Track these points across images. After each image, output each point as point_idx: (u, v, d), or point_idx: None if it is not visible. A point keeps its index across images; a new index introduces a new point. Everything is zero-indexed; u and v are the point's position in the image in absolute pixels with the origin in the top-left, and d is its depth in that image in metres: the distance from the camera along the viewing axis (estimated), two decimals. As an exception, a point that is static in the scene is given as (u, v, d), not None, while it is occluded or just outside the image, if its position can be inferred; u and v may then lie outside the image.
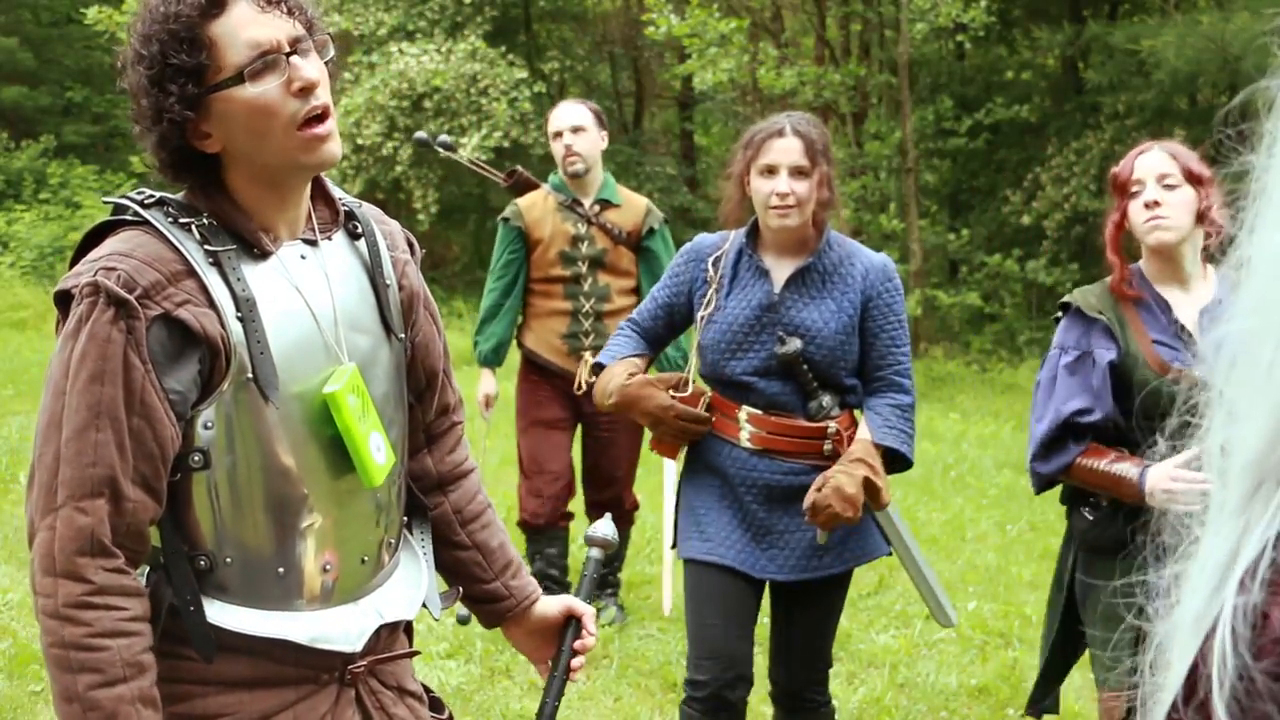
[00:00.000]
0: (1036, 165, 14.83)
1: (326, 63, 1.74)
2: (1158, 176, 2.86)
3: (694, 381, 3.27)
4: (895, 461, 3.18)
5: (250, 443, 1.70)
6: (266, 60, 1.64)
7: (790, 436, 3.14)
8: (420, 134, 6.09)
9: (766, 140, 3.12)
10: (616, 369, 3.31)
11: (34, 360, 11.53)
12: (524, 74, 15.76)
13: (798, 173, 3.09)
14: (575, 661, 2.07)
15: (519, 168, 5.17)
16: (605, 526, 2.37)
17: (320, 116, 1.68)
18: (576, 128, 4.82)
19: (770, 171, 3.11)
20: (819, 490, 3.03)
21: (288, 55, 1.66)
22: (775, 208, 3.09)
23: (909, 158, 14.44)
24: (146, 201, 1.70)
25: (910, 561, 3.55)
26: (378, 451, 1.81)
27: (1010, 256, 14.33)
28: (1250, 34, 11.92)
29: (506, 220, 4.92)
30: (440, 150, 5.65)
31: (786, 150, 3.10)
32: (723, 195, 3.31)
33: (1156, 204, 2.84)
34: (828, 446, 3.13)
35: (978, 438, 9.99)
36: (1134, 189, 2.87)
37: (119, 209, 1.72)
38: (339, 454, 1.78)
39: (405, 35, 16.10)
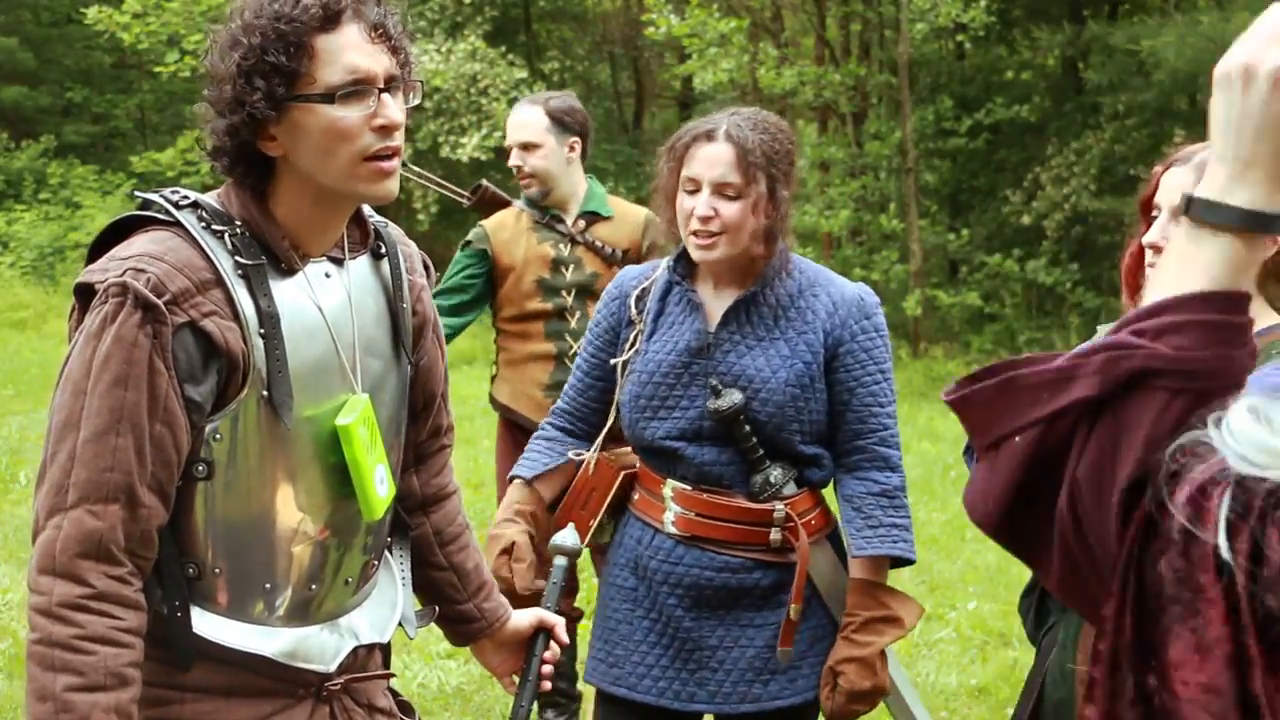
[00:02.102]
0: (1036, 165, 14.82)
1: (411, 106, 1.75)
2: (1174, 208, 2.09)
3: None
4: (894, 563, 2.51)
5: (255, 459, 1.70)
6: (359, 88, 1.65)
7: (726, 520, 2.43)
8: None
9: (691, 145, 2.41)
10: (502, 510, 2.59)
11: (34, 360, 11.52)
12: (524, 74, 15.74)
13: (725, 191, 2.37)
14: (545, 670, 2.11)
15: (484, 182, 4.23)
16: (570, 535, 2.31)
17: (390, 155, 1.69)
18: (527, 144, 3.86)
19: (693, 187, 2.39)
20: (830, 699, 2.41)
21: (380, 90, 1.67)
22: (695, 234, 2.39)
23: (909, 158, 14.44)
24: (181, 203, 1.68)
25: (901, 709, 2.77)
26: (381, 484, 1.82)
27: (1010, 256, 14.32)
28: (1250, 34, 11.90)
29: (468, 244, 3.95)
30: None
31: (713, 160, 2.37)
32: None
33: (1155, 248, 2.14)
34: (775, 536, 2.42)
35: (978, 438, 9.98)
36: (1154, 214, 2.20)
37: (147, 204, 1.70)
38: (340, 480, 1.79)
39: (405, 35, 16.09)
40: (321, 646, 1.81)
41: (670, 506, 2.45)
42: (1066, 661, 2.22)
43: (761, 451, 2.41)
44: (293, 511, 1.75)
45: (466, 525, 2.12)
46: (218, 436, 1.66)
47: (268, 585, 1.75)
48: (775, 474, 2.42)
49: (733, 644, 2.44)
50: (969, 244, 14.90)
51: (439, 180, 4.84)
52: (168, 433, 1.60)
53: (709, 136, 2.39)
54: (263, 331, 1.66)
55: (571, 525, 2.33)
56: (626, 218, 4.01)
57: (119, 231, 1.71)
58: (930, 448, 9.50)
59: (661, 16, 14.43)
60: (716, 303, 2.47)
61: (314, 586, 1.80)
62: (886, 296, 15.14)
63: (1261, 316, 2.16)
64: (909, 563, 2.49)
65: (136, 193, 1.76)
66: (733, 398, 2.38)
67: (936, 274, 15.56)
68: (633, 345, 2.51)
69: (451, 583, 2.07)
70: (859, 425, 2.45)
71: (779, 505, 2.42)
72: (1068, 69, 16.17)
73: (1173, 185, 2.13)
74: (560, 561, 2.27)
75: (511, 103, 15.98)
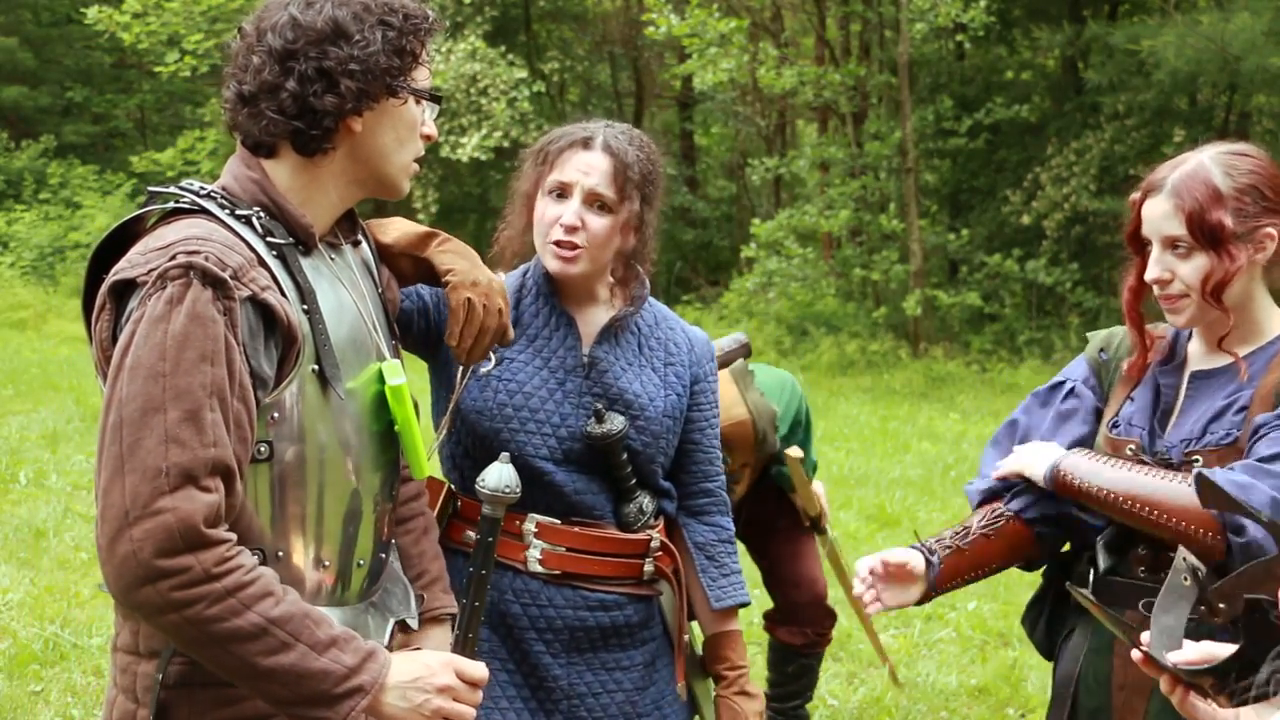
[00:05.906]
0: (1036, 165, 14.83)
1: None
2: (1163, 239, 2.11)
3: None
4: None
5: (310, 435, 1.68)
6: (434, 98, 1.81)
7: (600, 554, 2.26)
8: None
9: (565, 151, 2.24)
10: None
11: (34, 360, 11.53)
12: (524, 74, 15.76)
13: (596, 202, 2.22)
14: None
15: None
16: (504, 473, 1.91)
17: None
18: None
19: (561, 193, 2.23)
20: None
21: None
22: (558, 244, 2.22)
23: (909, 158, 14.44)
24: (200, 192, 1.69)
25: None
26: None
27: (1010, 256, 14.33)
28: (1250, 34, 11.91)
29: None
30: None
31: (588, 168, 2.21)
32: (504, 221, 2.38)
33: (1159, 283, 2.12)
34: (649, 567, 2.31)
35: (978, 438, 9.98)
36: (1145, 247, 2.16)
37: (153, 198, 1.69)
38: (381, 448, 1.82)
39: (405, 35, 16.09)
40: (371, 624, 1.81)
41: (534, 543, 2.23)
42: (1102, 669, 2.19)
43: (634, 480, 2.28)
44: (344, 486, 1.75)
45: (421, 512, 2.10)
46: (275, 415, 1.64)
47: (326, 564, 1.74)
48: (646, 502, 2.29)
49: (601, 689, 2.28)
50: (969, 244, 14.91)
51: None
52: (244, 410, 1.57)
53: (585, 144, 2.24)
54: (305, 307, 1.67)
55: (505, 456, 1.96)
56: None
57: (127, 232, 1.69)
58: (930, 448, 9.51)
59: (661, 16, 14.44)
60: (584, 319, 2.31)
61: (361, 563, 1.80)
62: (886, 296, 15.17)
63: (1273, 319, 2.14)
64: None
65: (151, 188, 1.74)
66: (617, 422, 2.22)
67: (936, 274, 15.56)
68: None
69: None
70: (708, 467, 2.40)
71: (654, 534, 2.31)
72: (1068, 69, 16.17)
73: (1155, 216, 2.10)
74: (487, 511, 1.91)
75: (511, 102, 16.06)
